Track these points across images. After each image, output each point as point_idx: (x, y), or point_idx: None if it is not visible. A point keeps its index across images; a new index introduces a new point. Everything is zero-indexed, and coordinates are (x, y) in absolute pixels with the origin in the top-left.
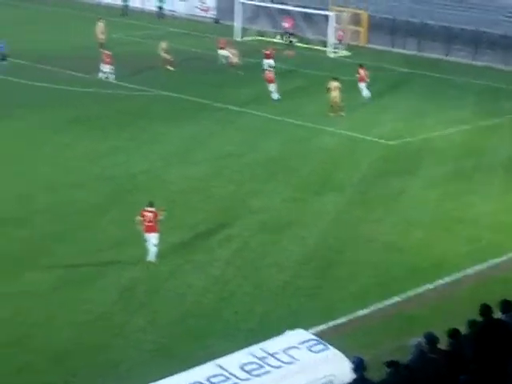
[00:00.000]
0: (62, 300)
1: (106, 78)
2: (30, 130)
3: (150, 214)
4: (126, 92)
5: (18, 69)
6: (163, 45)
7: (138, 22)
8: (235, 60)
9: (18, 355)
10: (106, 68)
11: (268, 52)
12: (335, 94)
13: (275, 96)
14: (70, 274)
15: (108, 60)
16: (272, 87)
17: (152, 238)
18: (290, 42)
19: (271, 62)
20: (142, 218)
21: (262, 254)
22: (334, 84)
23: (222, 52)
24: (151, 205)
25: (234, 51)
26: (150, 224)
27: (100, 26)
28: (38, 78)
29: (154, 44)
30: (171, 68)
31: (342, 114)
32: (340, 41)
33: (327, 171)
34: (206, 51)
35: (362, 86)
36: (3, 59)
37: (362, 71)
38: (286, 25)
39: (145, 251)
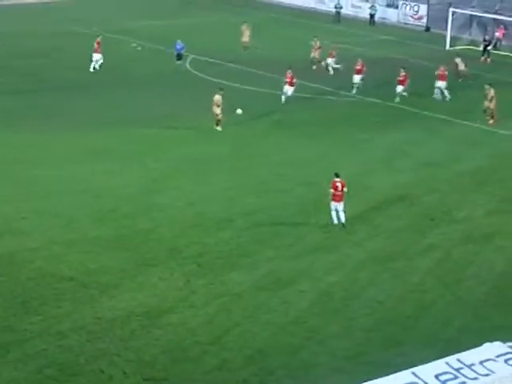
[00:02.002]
0: (260, 301)
1: None
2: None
3: (338, 185)
4: (334, 97)
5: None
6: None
7: (348, 29)
8: (462, 68)
9: (217, 353)
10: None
11: (440, 73)
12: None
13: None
14: (270, 276)
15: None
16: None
17: (339, 206)
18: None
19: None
20: (332, 190)
21: (463, 265)
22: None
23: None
24: (338, 176)
25: (460, 61)
26: (339, 193)
27: (245, 30)
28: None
29: (362, 51)
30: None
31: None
32: None
33: None
34: (418, 60)
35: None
36: (179, 59)
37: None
38: (497, 34)
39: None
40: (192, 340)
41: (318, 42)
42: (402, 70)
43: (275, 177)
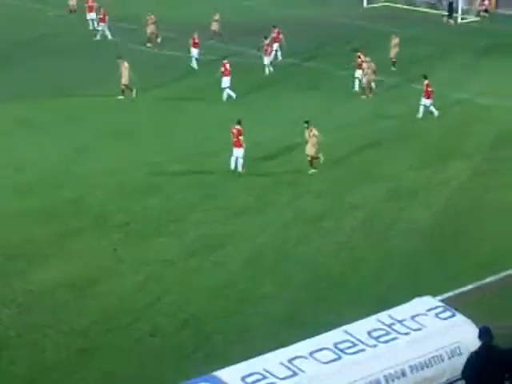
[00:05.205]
0: (192, 266)
1: None
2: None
3: (234, 131)
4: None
5: None
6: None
7: None
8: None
9: (150, 320)
10: None
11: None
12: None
13: None
14: (200, 241)
15: None
16: None
17: (238, 152)
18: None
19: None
20: (231, 135)
21: (390, 222)
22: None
23: None
24: (239, 123)
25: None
26: (235, 140)
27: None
28: None
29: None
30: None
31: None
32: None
33: (455, 138)
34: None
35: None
36: None
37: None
38: None
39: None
40: (123, 308)
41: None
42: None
43: (200, 141)
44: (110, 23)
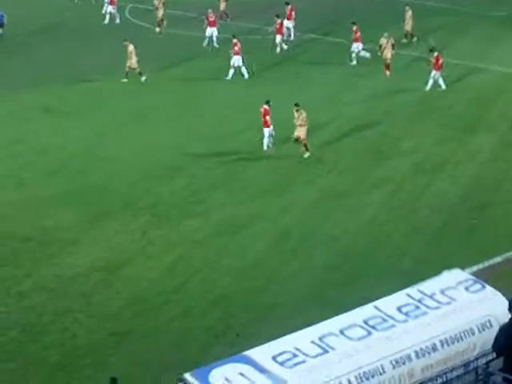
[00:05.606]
0: (219, 247)
1: None
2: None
3: (262, 111)
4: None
5: None
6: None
7: None
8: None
9: (180, 301)
10: None
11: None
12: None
13: None
14: (226, 221)
15: None
16: None
17: (265, 131)
18: None
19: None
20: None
21: (416, 196)
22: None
23: None
24: (267, 102)
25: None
26: (263, 120)
27: None
28: None
29: None
30: None
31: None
32: None
33: (480, 110)
34: None
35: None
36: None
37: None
38: None
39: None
40: (153, 290)
41: None
42: (276, 18)
43: (219, 121)
44: (129, 4)
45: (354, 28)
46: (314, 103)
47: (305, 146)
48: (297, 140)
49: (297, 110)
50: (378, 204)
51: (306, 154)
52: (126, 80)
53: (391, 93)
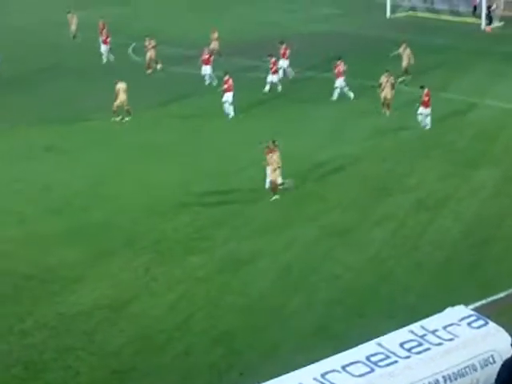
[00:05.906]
0: (222, 283)
1: None
2: None
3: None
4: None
5: None
6: None
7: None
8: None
9: (183, 338)
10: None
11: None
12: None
13: None
14: (229, 257)
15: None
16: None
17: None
18: None
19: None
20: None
21: (419, 232)
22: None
23: None
24: (273, 142)
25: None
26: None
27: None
28: None
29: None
30: None
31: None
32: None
33: (483, 145)
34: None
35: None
36: None
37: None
38: None
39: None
40: (156, 328)
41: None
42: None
43: (222, 159)
44: (133, 43)
45: (338, 62)
46: (316, 141)
47: (274, 188)
48: (275, 184)
49: (268, 147)
50: (381, 241)
51: (274, 197)
52: (116, 119)
53: (392, 130)
